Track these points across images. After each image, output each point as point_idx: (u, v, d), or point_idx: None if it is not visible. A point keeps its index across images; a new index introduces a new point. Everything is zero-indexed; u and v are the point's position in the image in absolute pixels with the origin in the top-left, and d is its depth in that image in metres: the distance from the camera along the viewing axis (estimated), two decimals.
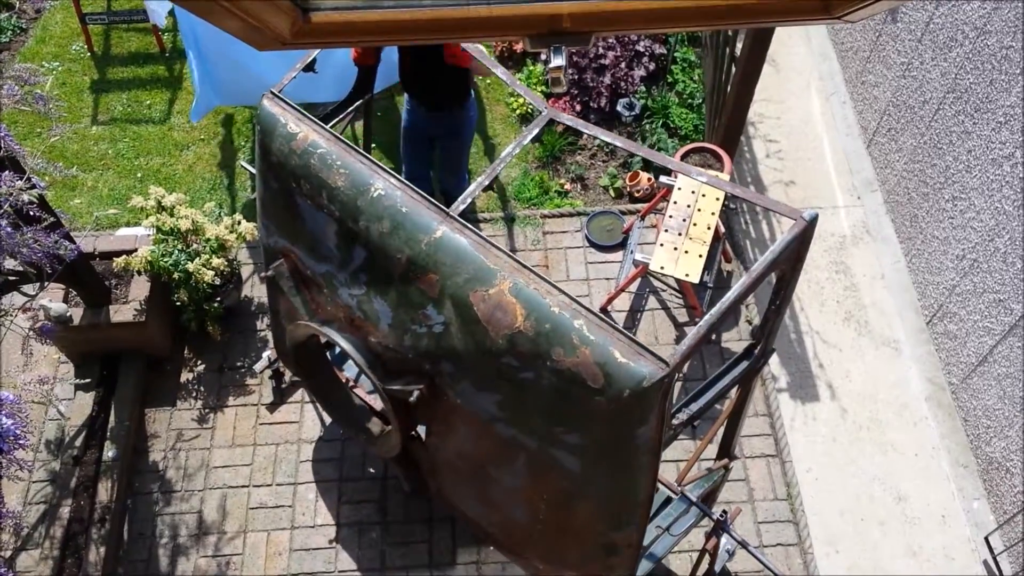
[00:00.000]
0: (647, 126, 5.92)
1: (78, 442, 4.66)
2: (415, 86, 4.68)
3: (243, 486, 4.67)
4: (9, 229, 3.45)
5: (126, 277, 4.84)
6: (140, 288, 4.79)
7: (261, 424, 4.86)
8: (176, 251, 4.61)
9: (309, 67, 3.61)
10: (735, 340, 5.13)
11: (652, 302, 5.27)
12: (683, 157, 5.11)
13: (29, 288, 4.17)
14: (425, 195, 2.97)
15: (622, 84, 5.92)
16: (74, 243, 3.97)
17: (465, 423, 3.28)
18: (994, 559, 4.34)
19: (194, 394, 4.95)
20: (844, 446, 4.75)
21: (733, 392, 3.35)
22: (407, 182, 3.01)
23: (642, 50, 5.98)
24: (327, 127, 3.19)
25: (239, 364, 5.04)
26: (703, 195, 4.79)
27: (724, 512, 3.73)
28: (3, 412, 3.27)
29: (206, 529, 4.55)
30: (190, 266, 4.56)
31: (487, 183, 3.21)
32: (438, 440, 3.57)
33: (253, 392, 4.96)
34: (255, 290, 5.28)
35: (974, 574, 4.39)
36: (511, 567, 4.35)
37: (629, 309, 5.24)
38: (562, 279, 5.32)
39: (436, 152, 5.26)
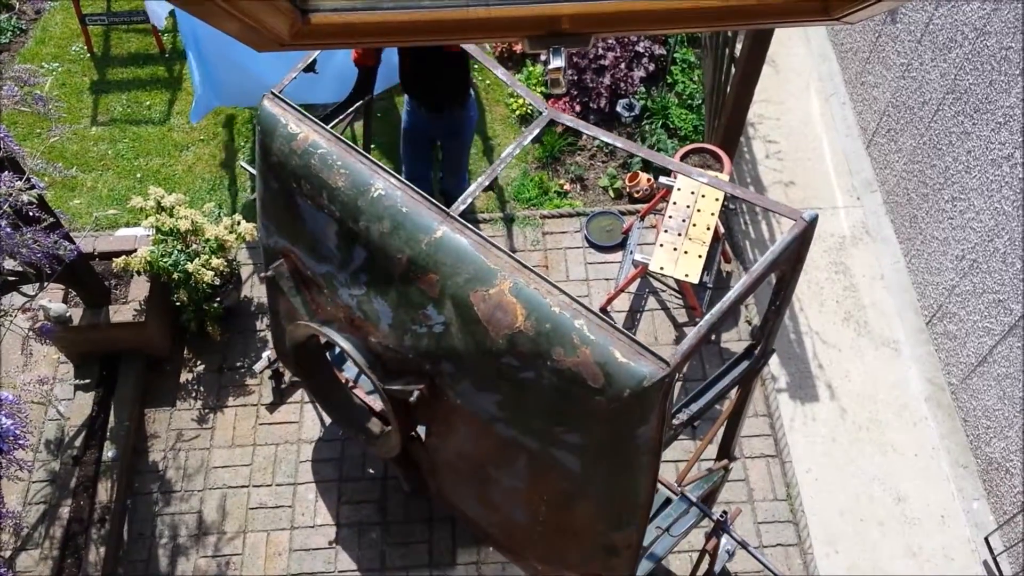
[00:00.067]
0: (647, 127, 5.92)
1: (78, 442, 4.66)
2: (415, 87, 4.68)
3: (243, 486, 4.67)
4: (9, 229, 3.45)
5: (126, 277, 4.84)
6: (140, 288, 4.79)
7: (261, 424, 4.86)
8: (176, 251, 4.61)
9: (310, 68, 3.61)
10: (735, 340, 5.13)
11: (652, 302, 5.27)
12: (683, 158, 5.11)
13: (29, 288, 4.17)
14: (425, 195, 2.97)
15: (622, 85, 5.92)
16: (74, 243, 3.97)
17: (465, 423, 3.28)
18: (994, 559, 4.34)
19: (194, 394, 4.95)
20: (844, 446, 4.75)
21: (733, 392, 3.35)
22: (407, 182, 3.01)
23: (642, 51, 5.98)
24: (327, 127, 3.19)
25: (239, 364, 5.04)
26: (703, 196, 4.80)
27: (724, 513, 3.73)
28: (3, 412, 3.27)
29: (206, 529, 4.55)
30: (190, 266, 4.56)
31: (487, 183, 3.21)
32: (438, 440, 3.57)
33: (253, 392, 4.96)
34: (255, 290, 5.29)
35: (974, 574, 4.39)
36: (511, 567, 4.35)
37: (629, 309, 5.24)
38: (562, 279, 5.33)
39: (436, 152, 5.26)
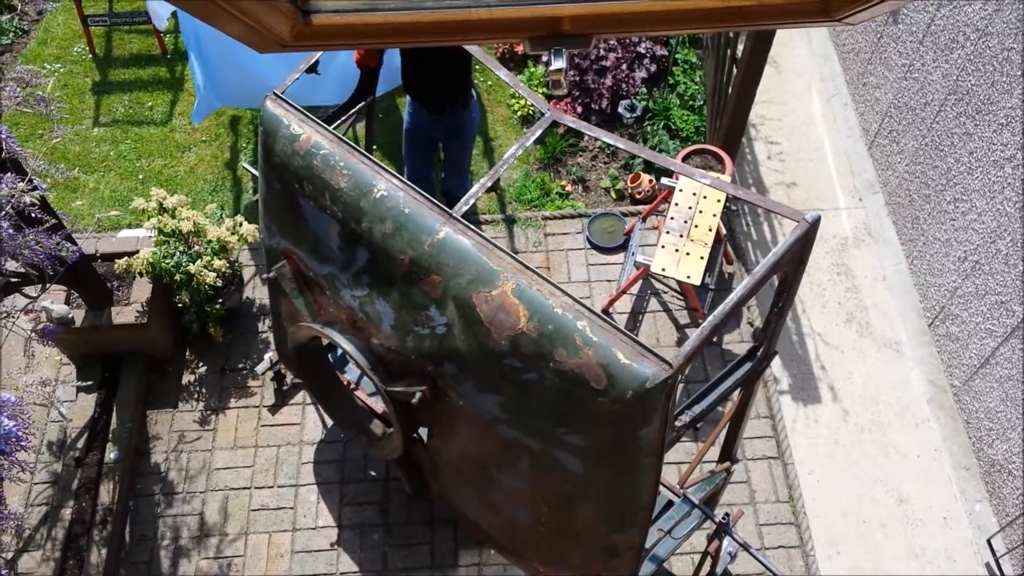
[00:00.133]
0: (648, 128, 5.92)
1: (80, 444, 4.66)
2: (417, 88, 4.68)
3: (245, 488, 4.67)
4: (11, 231, 3.46)
5: (128, 279, 4.84)
6: (142, 290, 4.80)
7: (263, 426, 4.86)
8: (178, 253, 4.62)
9: (312, 69, 3.61)
10: (736, 342, 5.12)
11: (653, 304, 5.27)
12: (684, 159, 5.10)
13: (31, 290, 4.17)
14: (428, 196, 2.97)
15: (623, 86, 5.92)
16: (76, 245, 3.97)
17: (467, 425, 3.28)
18: (996, 562, 4.34)
19: (196, 396, 4.95)
20: (846, 448, 4.75)
21: (735, 394, 3.35)
22: (409, 183, 3.01)
23: (643, 52, 5.98)
24: (330, 128, 3.19)
25: (241, 366, 5.05)
26: (704, 197, 4.79)
27: (726, 515, 3.73)
28: (5, 414, 3.27)
29: (208, 531, 4.55)
30: (192, 268, 4.56)
31: (490, 184, 3.21)
32: (440, 442, 3.57)
33: (255, 394, 4.96)
34: (257, 292, 5.29)
35: None
36: (512, 569, 4.35)
37: (630, 311, 5.24)
38: (564, 281, 5.32)
39: (438, 153, 5.27)
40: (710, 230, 4.70)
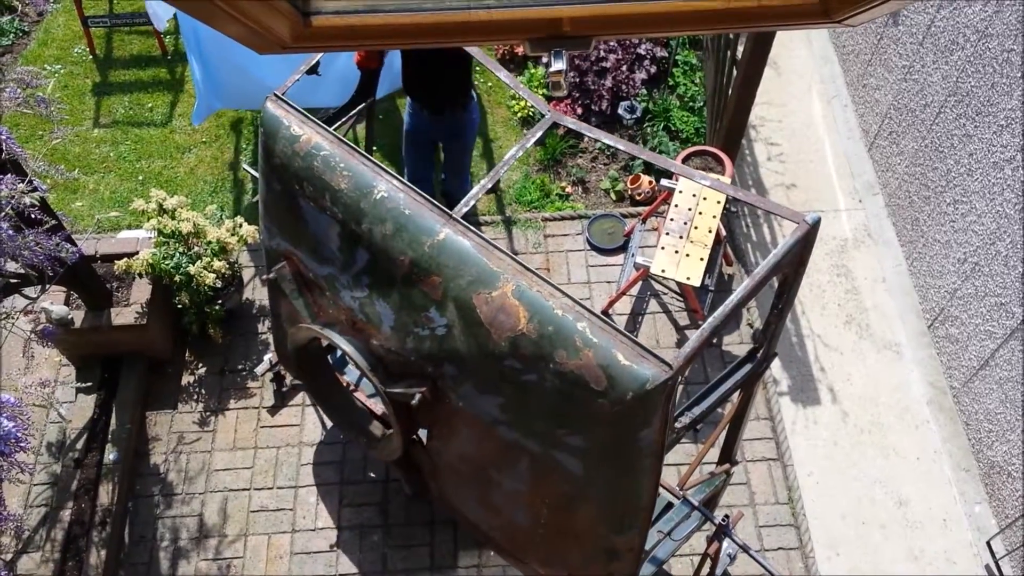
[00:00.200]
0: (648, 129, 5.92)
1: (79, 445, 4.66)
2: (417, 89, 4.68)
3: (244, 489, 4.67)
4: (11, 232, 3.46)
5: (127, 280, 4.84)
6: (141, 291, 4.79)
7: (262, 427, 4.86)
8: (177, 254, 4.62)
9: (312, 70, 3.61)
10: (736, 343, 5.12)
11: (653, 305, 5.27)
12: (684, 160, 5.11)
13: (30, 291, 4.17)
14: (428, 197, 2.97)
15: (623, 87, 5.92)
16: (75, 246, 3.97)
17: (467, 426, 3.28)
18: (996, 563, 4.33)
19: (195, 397, 4.95)
20: (845, 450, 4.75)
21: (735, 396, 3.35)
22: (410, 184, 3.01)
23: (643, 53, 5.98)
24: (330, 130, 3.19)
25: (240, 367, 5.04)
26: (704, 198, 4.80)
27: (726, 516, 3.73)
28: (4, 415, 3.27)
29: (207, 532, 4.55)
30: (191, 269, 4.56)
31: (490, 186, 3.21)
32: (440, 443, 3.57)
33: (254, 395, 4.96)
34: (256, 293, 5.29)
35: None
36: (512, 570, 4.34)
37: (630, 312, 5.24)
38: (563, 282, 5.32)
39: (438, 155, 5.27)
40: (710, 231, 4.71)
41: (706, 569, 4.01)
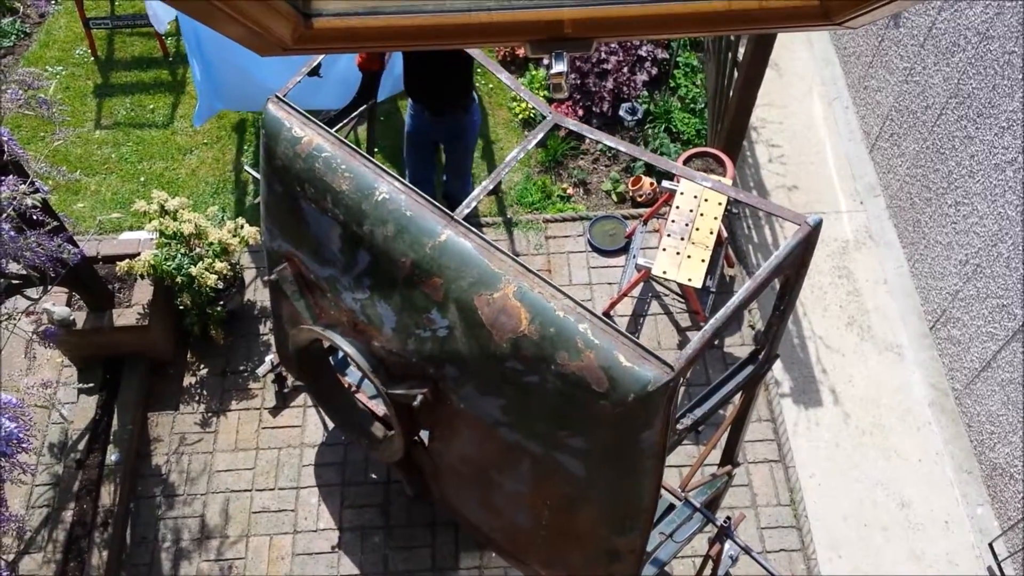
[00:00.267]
0: (649, 131, 5.92)
1: (81, 446, 4.67)
2: (419, 91, 4.69)
3: (246, 490, 4.67)
4: (13, 233, 3.46)
5: (129, 281, 4.85)
6: (143, 292, 4.80)
7: (264, 428, 4.86)
8: (179, 255, 4.62)
9: (314, 71, 3.61)
10: (738, 345, 5.12)
11: (655, 307, 5.26)
12: (685, 162, 5.10)
13: (32, 292, 4.18)
14: (429, 199, 2.97)
15: (624, 89, 5.92)
16: (77, 247, 3.98)
17: (468, 428, 3.28)
18: (998, 565, 4.33)
19: (197, 398, 4.95)
20: (847, 451, 4.74)
21: (737, 398, 3.35)
22: (411, 186, 3.01)
23: (644, 55, 5.98)
24: (332, 131, 3.19)
25: (242, 368, 5.05)
26: (705, 200, 4.80)
27: (727, 518, 3.72)
28: (6, 416, 3.27)
29: (208, 533, 4.55)
30: (193, 270, 4.56)
31: (491, 187, 3.21)
32: (441, 445, 3.57)
33: (256, 396, 4.96)
34: (258, 294, 5.29)
35: None
36: (513, 572, 4.34)
37: (631, 314, 5.24)
38: (565, 284, 5.32)
39: (439, 156, 5.27)
40: (711, 233, 4.70)
41: (708, 571, 4.01)
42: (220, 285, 4.68)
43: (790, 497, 4.63)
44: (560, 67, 1.15)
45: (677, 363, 2.51)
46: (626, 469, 2.87)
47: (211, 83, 5.14)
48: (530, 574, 3.86)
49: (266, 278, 3.72)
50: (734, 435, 3.72)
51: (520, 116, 6.08)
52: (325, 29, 1.11)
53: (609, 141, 3.14)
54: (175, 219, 4.65)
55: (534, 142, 3.23)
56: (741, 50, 4.84)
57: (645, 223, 5.36)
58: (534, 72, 6.20)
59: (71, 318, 4.63)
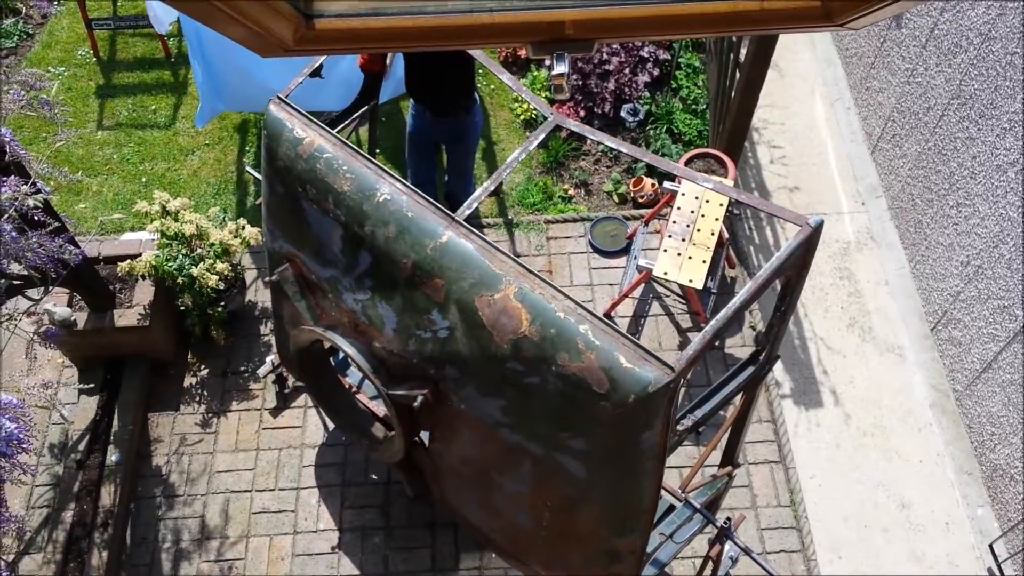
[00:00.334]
0: (651, 132, 5.92)
1: (81, 446, 4.67)
2: (420, 92, 4.69)
3: (246, 491, 4.67)
4: (14, 233, 3.46)
5: (130, 281, 4.85)
6: (144, 292, 4.80)
7: (264, 429, 4.86)
8: (180, 256, 4.62)
9: (316, 72, 3.61)
10: (739, 346, 5.12)
11: (656, 308, 5.26)
12: (687, 163, 5.10)
13: (33, 292, 4.18)
14: (431, 200, 2.97)
15: (626, 90, 5.92)
16: (79, 247, 3.98)
17: (469, 428, 3.28)
18: (998, 566, 4.33)
19: (197, 398, 4.96)
20: (848, 452, 4.74)
21: (737, 398, 3.35)
22: (413, 187, 3.01)
23: (646, 56, 5.98)
24: (333, 132, 3.19)
25: (243, 369, 5.05)
26: (707, 201, 4.80)
27: (728, 519, 3.72)
28: (7, 416, 3.27)
29: (209, 534, 4.55)
30: (194, 271, 4.56)
31: (493, 188, 3.21)
32: (442, 446, 3.57)
33: (256, 397, 4.96)
34: (259, 295, 5.29)
35: None
36: (514, 572, 4.34)
37: (632, 315, 5.23)
38: (566, 285, 5.32)
39: (441, 157, 5.27)
40: (712, 234, 4.70)
41: (708, 571, 4.00)
42: (221, 286, 4.68)
43: (790, 498, 4.63)
44: (561, 68, 1.15)
45: (678, 364, 2.51)
46: (626, 470, 2.87)
47: (213, 84, 5.14)
48: (530, 575, 3.86)
49: (267, 279, 3.72)
50: (735, 436, 3.71)
51: (522, 117, 6.08)
52: (326, 30, 1.11)
53: (610, 142, 3.15)
54: (176, 220, 4.65)
55: (535, 143, 3.23)
56: (743, 51, 4.84)
57: (646, 224, 5.36)
58: (536, 73, 6.20)
59: (72, 319, 4.63)
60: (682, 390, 4.88)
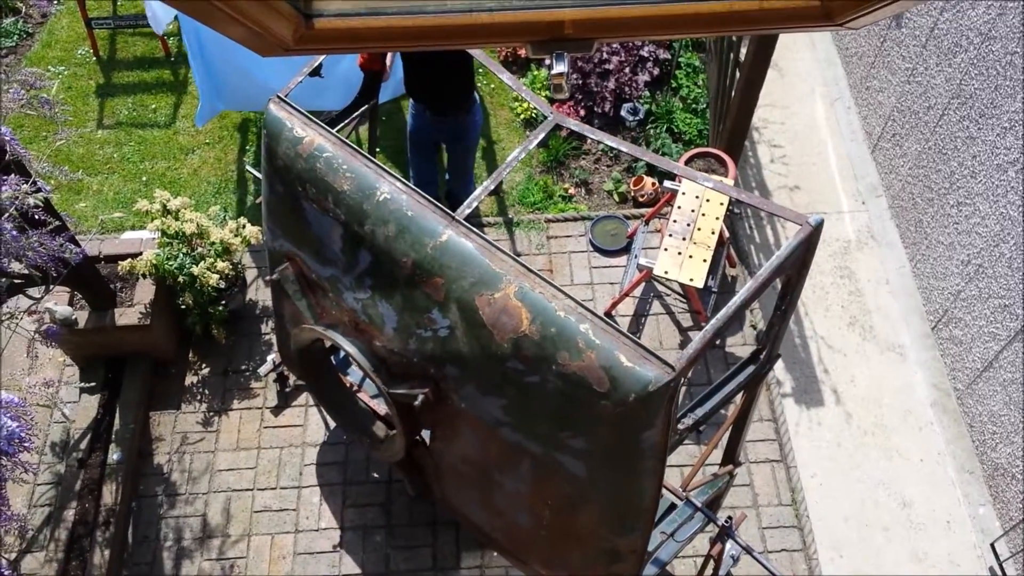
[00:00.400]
0: (651, 131, 5.92)
1: (83, 445, 4.67)
2: (419, 92, 4.69)
3: (247, 489, 4.68)
4: (15, 232, 3.46)
5: (131, 280, 4.85)
6: (145, 291, 4.80)
7: (265, 427, 4.86)
8: (181, 255, 4.62)
9: (315, 72, 3.62)
10: (740, 345, 5.12)
11: (656, 307, 5.26)
12: (687, 162, 5.10)
13: (34, 291, 4.18)
14: (430, 199, 2.97)
15: (626, 89, 5.92)
16: (79, 246, 3.98)
17: (470, 428, 3.28)
18: (1000, 565, 4.33)
19: (199, 397, 4.96)
20: (849, 451, 4.74)
21: (738, 397, 3.35)
22: (412, 186, 3.01)
23: (646, 55, 5.98)
24: (333, 131, 3.19)
25: (243, 367, 5.05)
26: (707, 200, 4.80)
27: (729, 518, 3.72)
28: (8, 415, 3.28)
29: (210, 532, 4.55)
30: (195, 270, 4.57)
31: (493, 187, 3.21)
32: (442, 445, 3.57)
33: (257, 396, 4.96)
34: (260, 294, 5.29)
35: None
36: (514, 571, 4.34)
37: (633, 314, 5.24)
38: (566, 284, 5.32)
39: (442, 156, 5.27)
40: (713, 233, 4.70)
41: (709, 570, 4.01)
42: (222, 285, 4.68)
43: (791, 497, 4.63)
44: (561, 68, 1.15)
45: (678, 363, 2.52)
46: (627, 469, 2.87)
47: (212, 83, 5.14)
48: (531, 574, 3.86)
49: (268, 278, 3.72)
50: (735, 435, 3.72)
51: (522, 116, 6.08)
52: (326, 30, 1.11)
53: (611, 141, 3.15)
54: (177, 219, 4.65)
55: (535, 142, 3.23)
56: (743, 51, 4.84)
57: (647, 223, 5.36)
58: (536, 72, 6.20)
59: (73, 317, 4.63)
60: (683, 389, 4.88)
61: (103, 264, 4.87)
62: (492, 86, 6.26)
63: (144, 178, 5.85)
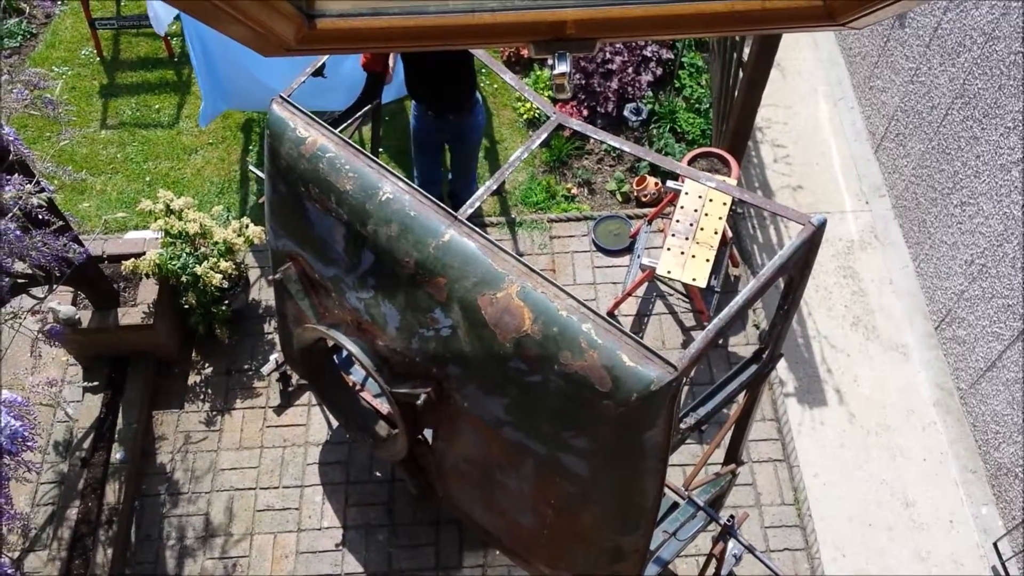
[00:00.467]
0: (654, 131, 5.92)
1: (86, 444, 4.68)
2: (420, 92, 4.69)
3: (250, 488, 4.68)
4: (18, 232, 3.47)
5: (134, 280, 4.86)
6: (148, 291, 4.81)
7: (268, 427, 4.87)
8: (184, 254, 4.63)
9: (318, 72, 3.62)
10: (742, 344, 5.12)
11: (659, 306, 5.26)
12: (690, 162, 5.10)
13: (38, 291, 4.19)
14: (433, 199, 2.98)
15: (629, 89, 5.92)
16: (83, 246, 3.98)
17: (472, 427, 3.28)
18: (1003, 565, 4.32)
19: (201, 396, 4.97)
20: (852, 451, 4.74)
21: (741, 397, 3.35)
22: (415, 186, 3.02)
23: (649, 55, 5.98)
24: (336, 131, 3.19)
25: (246, 367, 5.06)
26: (710, 200, 4.79)
27: (731, 517, 3.72)
28: (11, 414, 3.28)
29: (213, 531, 4.56)
30: (198, 269, 4.57)
31: (495, 187, 3.21)
32: (445, 444, 3.57)
33: (260, 395, 4.97)
34: (263, 293, 5.30)
35: None
36: (517, 570, 4.35)
37: (636, 313, 5.23)
38: (569, 283, 5.33)
39: (445, 156, 5.27)
40: (716, 233, 4.70)
41: (711, 570, 4.01)
42: (225, 284, 4.69)
43: (794, 496, 4.63)
44: (563, 68, 1.16)
45: (680, 362, 2.52)
46: (630, 468, 2.87)
47: (215, 84, 5.15)
48: (534, 573, 3.86)
49: (271, 277, 3.73)
50: (738, 434, 3.71)
51: (524, 116, 6.08)
52: (328, 30, 1.11)
53: (613, 141, 3.15)
54: (180, 218, 4.66)
55: (538, 142, 3.23)
56: (746, 51, 4.84)
57: (649, 223, 5.35)
58: (539, 72, 6.20)
59: (76, 317, 4.64)
60: (685, 388, 4.89)
61: (106, 264, 4.87)
62: (495, 86, 6.26)
63: (147, 178, 5.86)
